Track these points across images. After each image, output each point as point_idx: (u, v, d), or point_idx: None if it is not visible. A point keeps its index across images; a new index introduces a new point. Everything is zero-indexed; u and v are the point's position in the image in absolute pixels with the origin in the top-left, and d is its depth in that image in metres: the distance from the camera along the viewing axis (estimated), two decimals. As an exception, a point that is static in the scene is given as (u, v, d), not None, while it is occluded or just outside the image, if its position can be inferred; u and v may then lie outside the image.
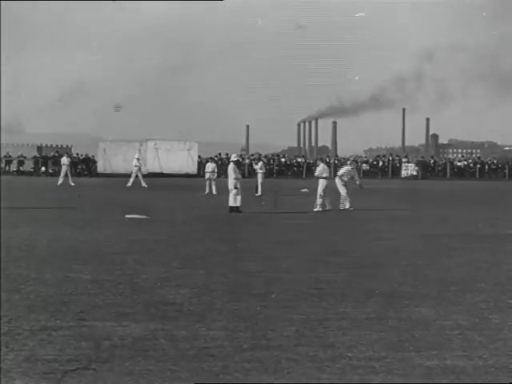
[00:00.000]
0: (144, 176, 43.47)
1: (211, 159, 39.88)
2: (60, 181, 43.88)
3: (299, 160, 66.70)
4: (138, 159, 43.47)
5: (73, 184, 42.87)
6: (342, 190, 25.57)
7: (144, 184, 41.19)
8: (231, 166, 24.00)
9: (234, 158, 25.00)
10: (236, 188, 23.34)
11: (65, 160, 45.66)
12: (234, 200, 23.36)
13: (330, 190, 25.28)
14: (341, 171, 26.61)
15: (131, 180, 42.05)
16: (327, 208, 24.96)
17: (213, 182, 35.07)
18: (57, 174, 63.08)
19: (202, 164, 58.90)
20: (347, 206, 25.37)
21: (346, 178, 25.85)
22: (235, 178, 23.44)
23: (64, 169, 44.99)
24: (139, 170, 42.95)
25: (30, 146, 69.79)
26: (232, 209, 23.32)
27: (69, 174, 44.47)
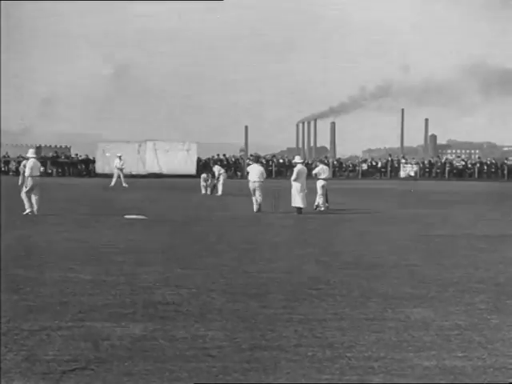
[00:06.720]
0: (143, 176, 43.22)
1: (220, 161, 39.69)
2: None
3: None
4: (119, 157, 42.97)
5: None
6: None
7: (125, 184, 40.92)
8: (303, 168, 23.97)
9: (298, 160, 24.85)
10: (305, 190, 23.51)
11: None
12: (302, 201, 23.32)
13: (325, 191, 25.25)
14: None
15: (114, 180, 41.87)
16: (321, 208, 24.89)
17: (220, 183, 34.76)
18: (55, 174, 63.02)
19: (199, 165, 58.94)
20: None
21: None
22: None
23: None
24: (121, 170, 42.64)
25: (30, 146, 69.86)
26: (300, 210, 23.32)
27: None
